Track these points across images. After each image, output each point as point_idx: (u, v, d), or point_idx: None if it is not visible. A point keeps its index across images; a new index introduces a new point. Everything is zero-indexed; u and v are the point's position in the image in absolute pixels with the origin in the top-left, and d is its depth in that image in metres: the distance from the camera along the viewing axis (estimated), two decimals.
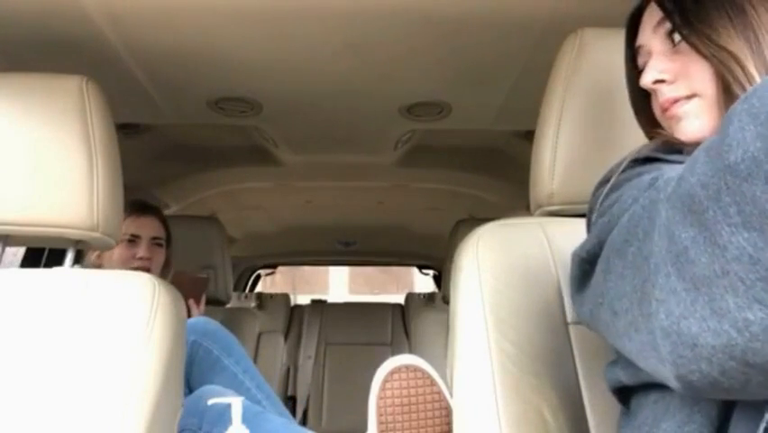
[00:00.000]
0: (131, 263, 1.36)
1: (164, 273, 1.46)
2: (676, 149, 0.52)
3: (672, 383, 0.38)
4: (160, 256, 1.44)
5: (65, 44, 0.97)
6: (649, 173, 0.48)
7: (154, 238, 1.42)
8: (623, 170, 0.52)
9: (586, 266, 0.50)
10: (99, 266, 1.34)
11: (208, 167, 1.85)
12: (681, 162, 0.48)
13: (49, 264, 1.50)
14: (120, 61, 1.05)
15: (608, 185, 0.52)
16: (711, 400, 0.42)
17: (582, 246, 0.51)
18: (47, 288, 0.77)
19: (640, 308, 0.40)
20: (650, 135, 0.59)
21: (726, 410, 0.41)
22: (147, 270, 1.36)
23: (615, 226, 0.46)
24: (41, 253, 1.51)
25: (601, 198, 0.52)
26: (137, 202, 1.45)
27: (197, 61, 1.07)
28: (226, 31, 0.95)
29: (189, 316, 1.44)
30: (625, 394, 0.53)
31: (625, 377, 0.50)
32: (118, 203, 0.84)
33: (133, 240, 1.39)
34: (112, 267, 1.33)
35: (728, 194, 0.31)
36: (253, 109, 1.32)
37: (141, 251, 1.38)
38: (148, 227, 1.42)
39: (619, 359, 0.51)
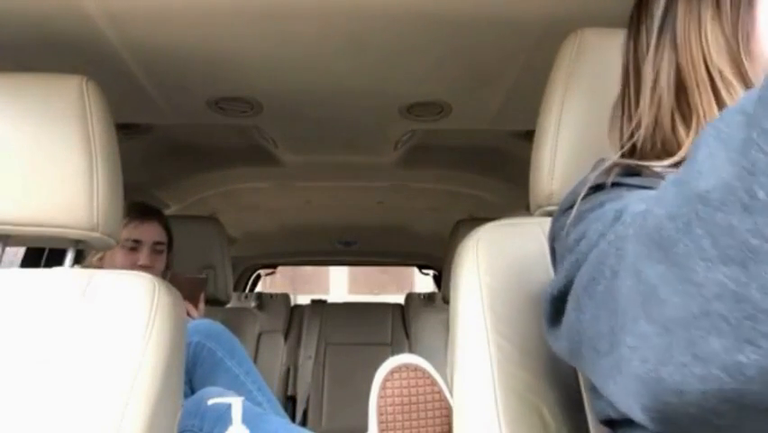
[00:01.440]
0: (132, 270, 1.35)
1: (164, 274, 1.46)
2: (634, 171, 0.50)
3: (658, 427, 0.35)
4: (161, 262, 1.44)
5: (65, 44, 0.97)
6: (612, 202, 0.46)
7: (156, 243, 1.42)
8: (583, 197, 0.50)
9: (558, 304, 0.48)
10: (100, 268, 1.34)
11: (208, 167, 1.85)
12: (641, 187, 0.47)
13: (49, 264, 1.50)
14: (120, 61, 1.05)
15: (571, 215, 0.50)
16: None
17: (552, 284, 0.49)
18: (47, 288, 0.77)
19: (620, 351, 0.37)
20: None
21: None
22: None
23: (582, 264, 0.44)
24: (41, 253, 1.51)
25: (565, 229, 0.50)
26: (139, 206, 1.45)
27: (197, 61, 1.07)
28: (226, 31, 0.95)
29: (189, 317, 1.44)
30: (613, 425, 0.51)
31: (613, 413, 0.48)
32: (118, 203, 0.84)
33: (135, 246, 1.38)
34: (113, 268, 1.33)
35: (701, 225, 0.28)
36: (253, 109, 1.32)
37: (143, 258, 1.37)
38: (150, 233, 1.41)
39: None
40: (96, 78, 0.82)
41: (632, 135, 0.54)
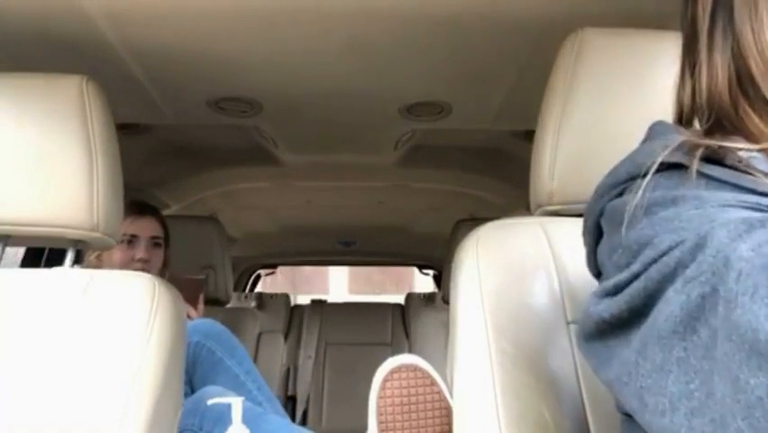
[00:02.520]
0: (130, 265, 1.36)
1: (162, 274, 1.46)
2: (716, 157, 0.43)
3: None
4: (158, 257, 1.44)
5: (65, 44, 0.97)
6: (687, 204, 0.40)
7: (153, 238, 1.42)
8: (643, 177, 0.44)
9: (605, 327, 0.43)
10: (98, 267, 1.34)
11: (208, 167, 1.85)
12: (723, 182, 0.41)
13: (49, 264, 1.50)
14: (120, 61, 1.05)
15: (634, 197, 0.44)
16: None
17: (605, 305, 0.43)
18: (47, 288, 0.77)
19: (689, 421, 0.33)
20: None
21: None
22: (145, 271, 1.37)
23: (653, 295, 0.39)
24: (41, 253, 1.51)
25: (628, 213, 0.44)
26: (135, 202, 1.46)
27: (197, 61, 1.07)
28: (226, 31, 0.95)
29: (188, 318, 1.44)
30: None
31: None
32: (118, 203, 0.84)
33: (132, 241, 1.39)
34: (111, 268, 1.33)
35: None
36: (253, 109, 1.32)
37: (140, 252, 1.38)
38: (146, 228, 1.42)
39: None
40: (96, 78, 0.82)
41: (693, 105, 0.48)
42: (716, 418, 0.32)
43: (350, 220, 2.61)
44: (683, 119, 0.50)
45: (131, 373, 0.70)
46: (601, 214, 0.49)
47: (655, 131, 0.50)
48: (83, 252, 1.34)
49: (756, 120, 0.44)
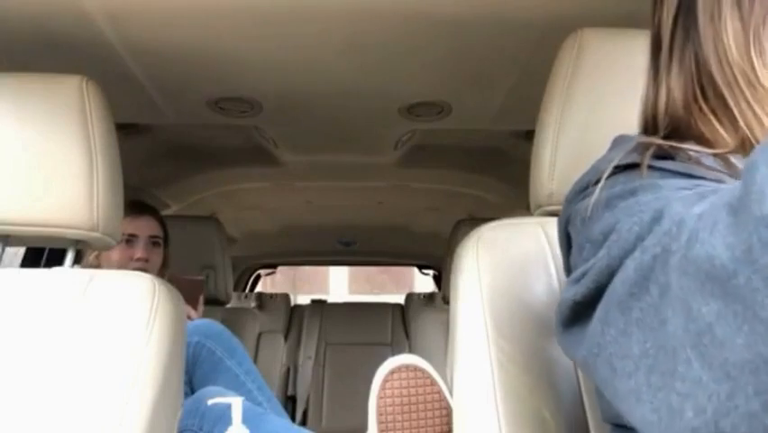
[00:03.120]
0: (129, 265, 1.36)
1: (161, 273, 1.46)
2: (668, 154, 0.45)
3: None
4: (157, 256, 1.44)
5: (65, 44, 0.97)
6: (646, 192, 0.42)
7: (152, 237, 1.43)
8: (608, 176, 0.46)
9: (579, 309, 0.44)
10: (97, 267, 1.34)
11: (208, 167, 1.85)
12: (676, 173, 0.42)
13: (49, 264, 1.50)
14: (120, 61, 1.05)
15: (594, 196, 0.46)
16: None
17: (574, 289, 0.45)
18: (47, 288, 0.77)
19: (647, 378, 0.34)
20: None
21: None
22: (144, 270, 1.37)
23: (615, 270, 0.40)
24: (41, 253, 1.51)
25: (588, 211, 0.46)
26: (134, 202, 1.46)
27: (197, 61, 1.07)
28: (226, 31, 0.95)
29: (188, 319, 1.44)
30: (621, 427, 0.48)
31: (623, 419, 0.44)
32: (118, 203, 0.84)
33: (131, 240, 1.39)
34: (110, 268, 1.33)
35: (765, 252, 0.25)
36: (253, 109, 1.32)
37: (139, 251, 1.38)
38: (145, 227, 1.42)
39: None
40: (96, 78, 0.82)
41: (655, 114, 0.49)
42: (666, 370, 0.32)
43: (350, 220, 2.61)
44: (648, 128, 0.51)
45: (131, 373, 0.70)
46: (568, 221, 0.50)
47: (617, 141, 0.52)
48: (83, 252, 1.34)
49: (716, 125, 0.45)
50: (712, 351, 0.28)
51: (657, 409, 0.33)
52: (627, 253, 0.39)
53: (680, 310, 0.31)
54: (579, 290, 0.44)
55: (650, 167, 0.44)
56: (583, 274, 0.44)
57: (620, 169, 0.46)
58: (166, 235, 1.49)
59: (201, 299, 1.55)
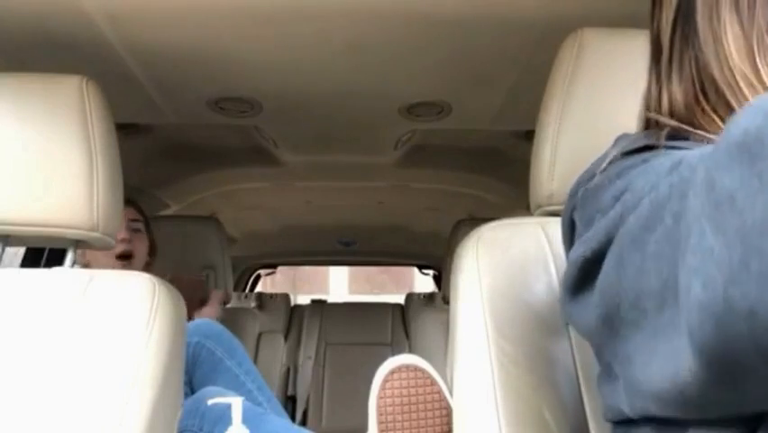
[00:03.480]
0: (114, 248, 1.36)
1: (150, 263, 1.46)
2: (682, 136, 0.45)
3: (698, 358, 0.31)
4: (141, 243, 1.45)
5: (65, 44, 0.97)
6: (660, 158, 0.40)
7: (131, 221, 1.43)
8: (612, 162, 0.46)
9: (590, 266, 0.43)
10: (87, 263, 1.34)
11: (208, 167, 1.85)
12: (689, 149, 0.41)
13: (49, 264, 1.50)
14: (120, 61, 1.05)
15: (600, 176, 0.45)
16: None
17: (584, 246, 0.43)
18: (47, 288, 0.77)
19: (676, 294, 0.32)
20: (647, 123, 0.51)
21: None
22: (130, 254, 1.38)
23: (629, 216, 0.39)
24: (41, 253, 1.51)
25: (597, 188, 0.45)
26: None
27: (197, 61, 1.07)
28: (226, 31, 0.95)
29: (191, 319, 1.45)
30: (621, 425, 0.47)
31: (629, 408, 0.43)
32: (118, 203, 0.84)
33: None
34: (97, 260, 1.33)
35: None
36: (253, 109, 1.32)
37: (121, 233, 1.38)
38: (124, 213, 1.43)
39: (623, 380, 0.43)
40: (96, 78, 0.82)
41: (657, 114, 0.49)
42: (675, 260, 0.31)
43: (350, 220, 2.61)
44: (650, 128, 0.51)
45: (130, 373, 0.70)
46: (574, 208, 0.49)
47: (620, 139, 0.51)
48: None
49: (719, 123, 0.44)
50: (729, 218, 0.27)
51: (678, 324, 0.31)
52: (641, 198, 0.38)
53: (703, 189, 0.30)
54: (589, 245, 0.43)
55: (665, 147, 0.43)
56: (594, 233, 0.43)
57: (630, 153, 0.45)
58: (148, 224, 1.50)
59: (216, 298, 1.55)
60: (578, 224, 0.48)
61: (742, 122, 0.28)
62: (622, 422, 0.47)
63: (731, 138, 0.29)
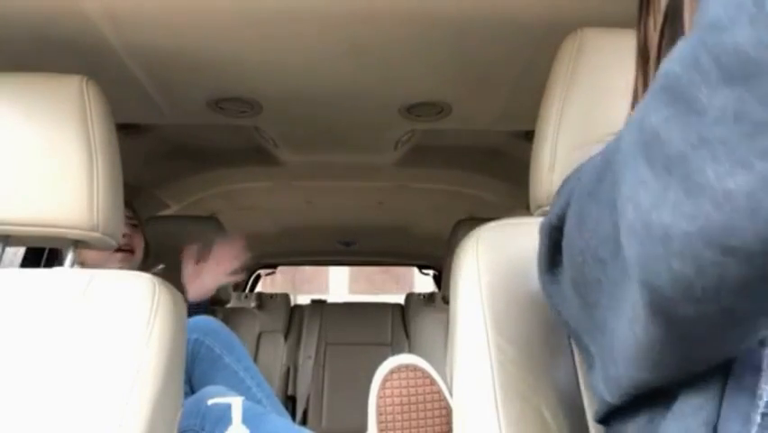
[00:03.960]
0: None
1: (146, 261, 1.47)
2: None
3: (640, 296, 0.33)
4: (139, 239, 1.46)
5: (65, 44, 0.97)
6: None
7: (128, 218, 1.44)
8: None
9: (557, 235, 0.45)
10: (83, 262, 1.34)
11: (208, 167, 1.85)
12: None
13: (49, 264, 1.50)
14: (120, 61, 1.05)
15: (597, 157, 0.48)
16: (700, 410, 0.37)
17: (550, 215, 0.46)
18: (47, 288, 0.77)
19: (616, 257, 0.35)
20: None
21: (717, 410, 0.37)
22: (131, 250, 1.38)
23: (582, 177, 0.42)
24: (41, 253, 1.51)
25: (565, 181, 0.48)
26: None
27: (197, 61, 1.07)
28: (226, 31, 0.95)
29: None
30: (608, 420, 0.48)
31: (606, 389, 0.44)
32: (118, 203, 0.84)
33: None
34: (96, 259, 1.33)
35: (706, 53, 0.27)
36: (253, 109, 1.32)
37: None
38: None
39: (598, 358, 0.45)
40: (96, 78, 0.82)
41: None
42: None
43: (350, 220, 2.61)
44: None
45: (131, 373, 0.70)
46: (552, 205, 0.51)
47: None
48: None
49: None
50: (656, 150, 0.30)
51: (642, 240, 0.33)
52: (596, 158, 0.41)
53: (635, 129, 0.32)
54: (554, 211, 0.45)
55: None
56: (556, 201, 0.45)
57: None
58: (140, 221, 1.51)
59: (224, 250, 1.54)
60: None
61: (665, 66, 0.31)
62: (612, 416, 0.47)
63: (657, 82, 0.31)
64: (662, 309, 0.32)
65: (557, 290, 0.48)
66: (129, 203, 1.50)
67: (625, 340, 0.37)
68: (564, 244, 0.44)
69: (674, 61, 0.30)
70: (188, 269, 1.50)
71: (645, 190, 0.30)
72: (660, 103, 0.30)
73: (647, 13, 0.51)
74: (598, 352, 0.44)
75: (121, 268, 1.35)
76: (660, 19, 0.49)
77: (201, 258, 1.53)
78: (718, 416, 0.35)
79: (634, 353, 0.37)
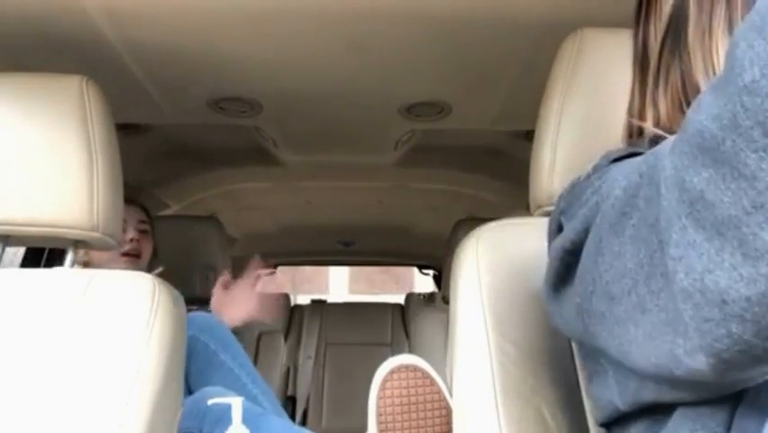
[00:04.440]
0: (121, 247, 1.36)
1: (152, 267, 1.46)
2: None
3: (697, 363, 0.33)
4: (147, 244, 1.46)
5: (65, 44, 0.97)
6: (640, 157, 0.42)
7: (140, 222, 1.44)
8: (597, 167, 0.48)
9: (569, 258, 0.45)
10: (87, 262, 1.34)
11: (208, 167, 1.85)
12: None
13: (49, 264, 1.50)
14: (120, 61, 1.05)
15: (587, 176, 0.47)
16: (713, 414, 0.37)
17: (562, 238, 0.46)
18: (47, 288, 0.77)
19: (648, 285, 0.35)
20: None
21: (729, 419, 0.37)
22: (138, 254, 1.38)
23: (603, 204, 0.41)
24: (41, 253, 1.51)
25: (577, 192, 0.47)
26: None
27: (197, 61, 1.07)
28: (226, 31, 0.95)
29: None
30: (614, 425, 0.47)
31: (620, 397, 0.44)
32: (118, 203, 0.84)
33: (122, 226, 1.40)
34: (101, 259, 1.33)
35: (748, 116, 0.27)
36: (253, 109, 1.32)
37: (131, 233, 1.39)
38: (134, 214, 1.44)
39: (612, 369, 0.45)
40: (96, 78, 0.82)
41: (641, 126, 0.51)
42: (661, 253, 0.33)
43: (350, 220, 2.61)
44: (633, 137, 0.52)
45: (130, 373, 0.70)
46: (562, 212, 0.51)
47: (607, 152, 0.53)
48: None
49: None
50: (705, 213, 0.30)
51: (664, 307, 0.34)
52: (616, 188, 0.40)
53: (674, 187, 0.32)
54: (568, 237, 0.45)
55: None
56: (572, 225, 0.45)
57: (618, 161, 0.47)
58: (153, 228, 1.50)
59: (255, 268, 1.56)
60: (564, 224, 0.50)
61: (697, 123, 0.31)
62: (616, 422, 0.47)
63: (692, 140, 0.31)
64: (720, 369, 0.32)
65: (561, 309, 0.48)
66: (143, 206, 1.51)
67: (653, 367, 0.37)
68: (579, 269, 0.44)
69: (709, 120, 0.30)
70: (218, 294, 1.51)
71: (697, 253, 0.30)
72: (699, 164, 0.30)
73: (647, 21, 0.51)
74: (611, 367, 0.44)
75: (126, 270, 1.35)
76: (661, 28, 0.49)
77: (230, 284, 1.54)
78: (732, 419, 0.36)
79: (666, 378, 0.37)
